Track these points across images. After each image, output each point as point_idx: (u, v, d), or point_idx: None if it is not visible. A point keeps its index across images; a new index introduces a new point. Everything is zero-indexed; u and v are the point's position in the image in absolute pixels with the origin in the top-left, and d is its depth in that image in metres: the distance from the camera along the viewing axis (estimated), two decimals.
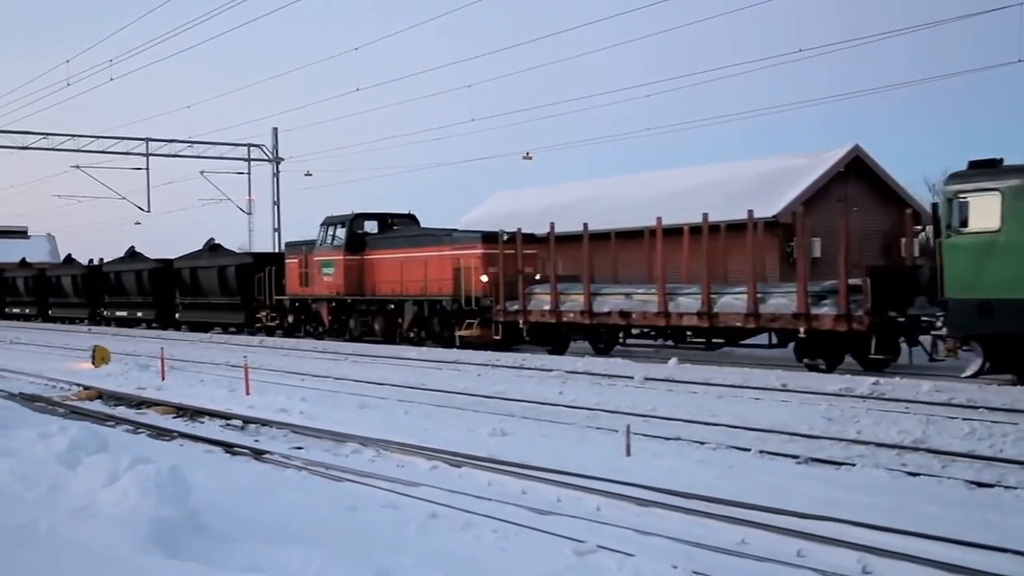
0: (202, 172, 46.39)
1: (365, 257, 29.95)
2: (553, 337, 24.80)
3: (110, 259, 48.34)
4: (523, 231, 25.94)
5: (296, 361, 23.48)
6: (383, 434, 11.18)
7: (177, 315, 40.42)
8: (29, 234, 75.43)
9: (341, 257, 30.12)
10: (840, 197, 31.54)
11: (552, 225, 24.91)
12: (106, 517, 5.79)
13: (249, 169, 47.25)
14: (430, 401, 15.11)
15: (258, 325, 34.96)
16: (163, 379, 18.73)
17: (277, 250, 41.23)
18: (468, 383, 17.38)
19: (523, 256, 25.36)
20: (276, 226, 46.77)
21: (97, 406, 15.50)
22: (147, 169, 44.59)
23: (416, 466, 9.75)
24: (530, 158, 37.92)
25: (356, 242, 30.19)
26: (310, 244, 31.96)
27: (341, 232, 30.41)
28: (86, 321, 48.01)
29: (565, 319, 23.66)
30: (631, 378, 17.45)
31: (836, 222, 19.72)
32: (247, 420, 13.18)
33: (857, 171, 33.20)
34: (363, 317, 29.87)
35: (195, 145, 45.17)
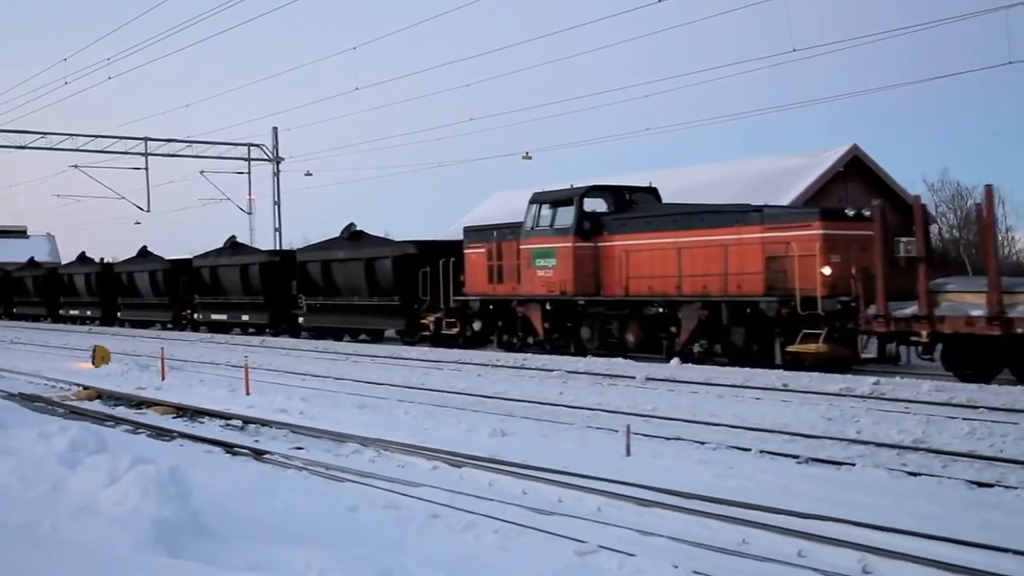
0: (202, 172, 46.41)
1: (601, 244, 22.30)
2: (982, 357, 16.24)
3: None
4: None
5: (296, 361, 23.49)
6: (383, 434, 11.18)
7: (301, 320, 32.53)
8: (28, 234, 75.40)
9: (569, 244, 22.41)
10: (840, 196, 31.63)
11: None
12: (108, 517, 5.80)
13: (249, 169, 47.29)
14: (430, 401, 15.11)
15: (425, 333, 27.37)
16: (163, 379, 18.73)
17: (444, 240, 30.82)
18: (468, 383, 17.38)
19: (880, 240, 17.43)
20: (277, 226, 46.80)
21: (97, 406, 15.49)
22: (146, 169, 44.62)
23: (416, 466, 9.75)
24: (530, 158, 37.97)
25: (589, 225, 22.49)
26: (504, 229, 24.77)
27: (566, 212, 22.72)
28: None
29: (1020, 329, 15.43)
30: (632, 378, 17.45)
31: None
32: (247, 420, 13.18)
33: (856, 171, 33.27)
34: (604, 324, 22.15)
35: (194, 145, 45.24)
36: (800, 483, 8.65)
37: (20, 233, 73.63)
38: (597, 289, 22.32)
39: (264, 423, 12.85)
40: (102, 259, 49.75)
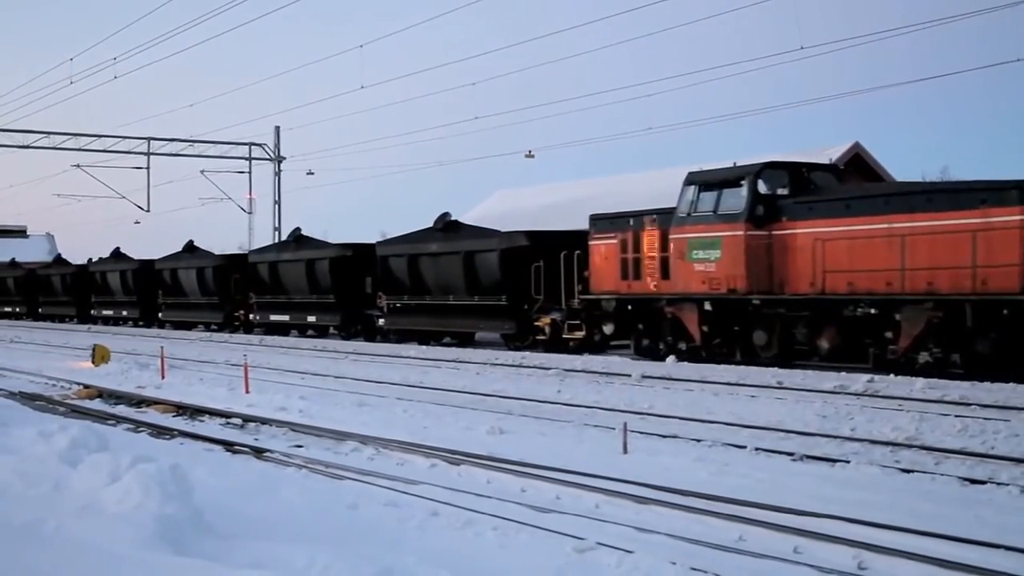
0: (202, 171, 46.41)
1: (779, 232, 18.67)
2: None
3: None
4: None
5: (295, 360, 23.54)
6: (382, 432, 11.25)
7: (382, 322, 29.34)
8: (28, 233, 75.32)
9: (740, 233, 18.82)
10: None
11: None
12: (111, 515, 5.85)
13: (250, 168, 47.28)
14: (429, 399, 15.18)
15: (540, 337, 24.11)
16: (163, 378, 18.78)
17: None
18: (467, 381, 17.45)
19: None
20: (277, 225, 46.81)
21: (97, 405, 15.55)
22: (148, 168, 44.62)
23: (416, 464, 9.82)
24: (532, 156, 38.04)
25: (763, 209, 18.88)
26: (644, 216, 21.26)
27: (735, 194, 19.07)
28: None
29: None
30: (628, 376, 17.52)
31: None
32: (247, 418, 13.25)
33: (857, 168, 33.35)
34: (786, 327, 18.58)
35: (196, 144, 45.23)
36: (795, 480, 8.72)
37: (20, 233, 73.56)
38: (772, 285, 18.66)
39: (264, 421, 12.92)
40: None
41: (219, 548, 5.45)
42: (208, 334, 34.10)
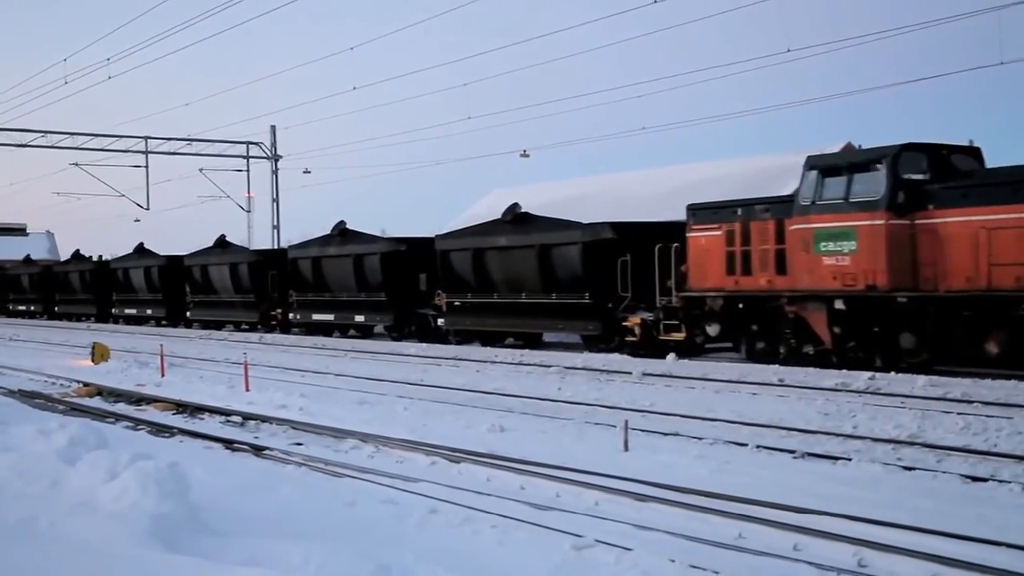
0: (201, 170, 46.41)
1: (924, 221, 16.60)
2: None
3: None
4: None
5: (295, 358, 23.53)
6: (382, 430, 11.22)
7: (440, 322, 27.14)
8: (28, 231, 75.38)
9: (879, 222, 16.68)
10: None
11: None
12: (106, 513, 5.83)
13: (248, 167, 47.34)
14: (429, 397, 15.16)
15: (629, 338, 21.61)
16: (163, 376, 18.76)
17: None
18: (466, 379, 17.43)
19: None
20: (275, 223, 46.84)
21: (97, 403, 15.54)
22: (146, 167, 44.63)
23: (415, 462, 9.80)
24: (527, 155, 38.03)
25: (907, 195, 16.79)
26: (756, 205, 19.48)
27: (871, 179, 17.09)
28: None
29: None
30: (629, 374, 17.50)
31: None
32: (247, 416, 13.23)
33: None
34: (941, 329, 16.37)
35: (194, 143, 45.26)
36: (796, 478, 8.69)
37: (19, 231, 73.62)
38: (917, 281, 16.62)
39: (264, 419, 12.90)
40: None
41: (214, 546, 5.43)
42: (244, 335, 32.65)
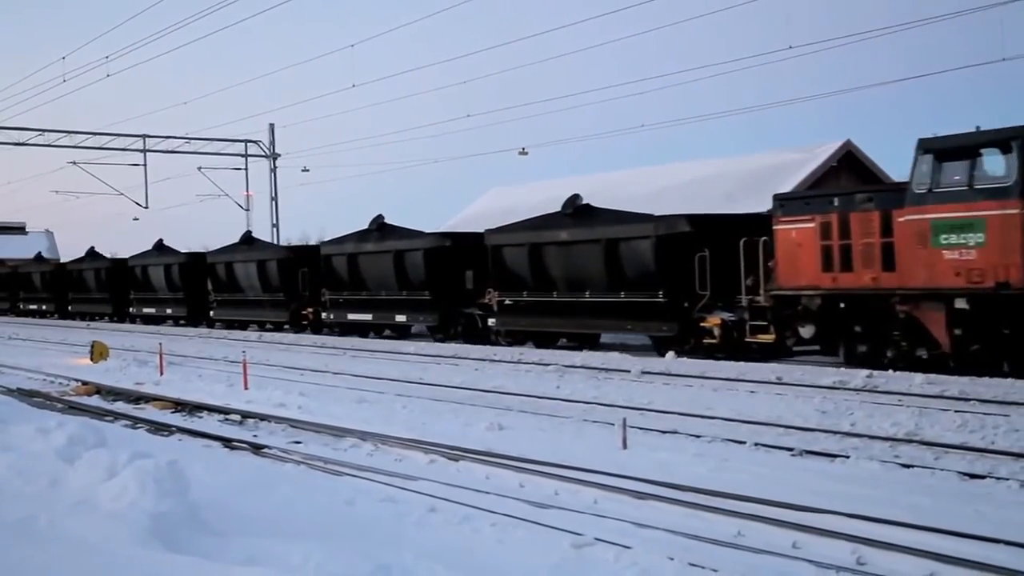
0: (199, 168, 46.37)
1: None
2: None
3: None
4: None
5: (294, 356, 23.53)
6: (381, 428, 11.23)
7: (491, 322, 25.43)
8: (27, 230, 75.34)
9: (1014, 211, 15.02)
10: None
11: None
12: (105, 512, 5.84)
13: (247, 165, 47.29)
14: (428, 395, 15.16)
15: (709, 340, 20.05)
16: (161, 374, 18.76)
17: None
18: (465, 377, 17.44)
19: None
20: (274, 222, 46.81)
21: (96, 401, 15.55)
22: (144, 165, 44.59)
23: (414, 460, 9.81)
24: (526, 153, 38.03)
25: None
26: (856, 194, 17.81)
27: (1001, 162, 15.51)
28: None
29: None
30: (627, 372, 17.51)
31: None
32: (245, 415, 13.24)
33: (849, 165, 33.44)
34: None
35: (192, 141, 45.21)
36: (795, 476, 8.70)
37: (19, 229, 73.60)
38: None
39: (263, 418, 12.91)
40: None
41: (213, 545, 5.43)
42: (278, 335, 31.57)
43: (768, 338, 18.64)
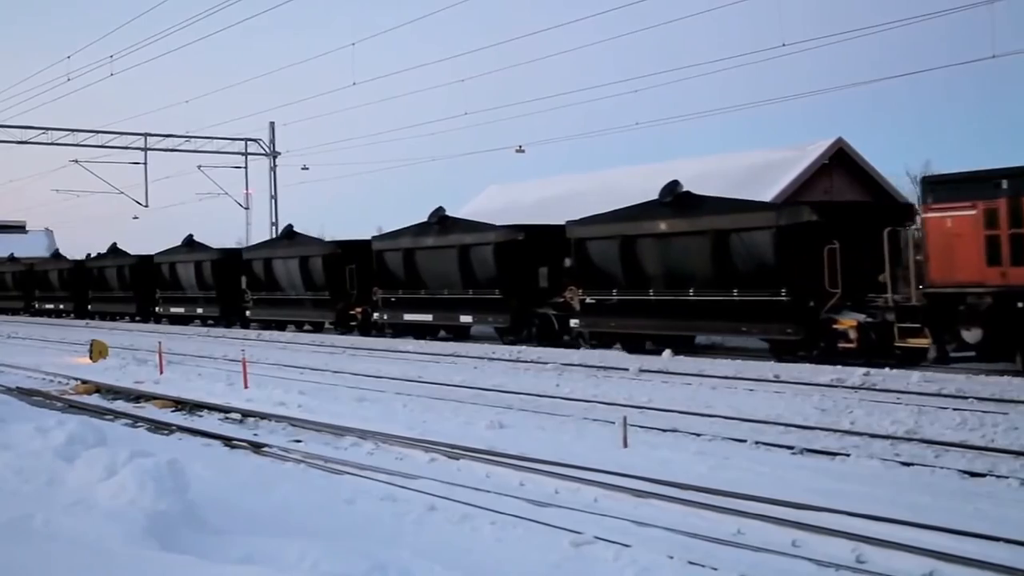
0: (199, 167, 46.34)
1: None
2: None
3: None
4: None
5: (294, 355, 23.52)
6: (381, 427, 11.22)
7: (573, 323, 23.18)
8: (27, 229, 75.32)
9: None
10: (825, 189, 31.80)
11: None
12: (103, 511, 5.82)
13: (246, 163, 47.26)
14: (428, 394, 15.16)
15: (844, 344, 17.81)
16: (161, 373, 18.74)
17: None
18: (465, 376, 17.43)
19: None
20: (273, 220, 46.78)
21: (95, 400, 15.54)
22: (145, 164, 44.57)
23: (414, 459, 9.80)
24: (523, 151, 38.00)
25: None
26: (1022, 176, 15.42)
27: None
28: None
29: None
30: (626, 370, 17.51)
31: None
32: (246, 413, 13.23)
33: (841, 163, 33.43)
34: None
35: (193, 140, 45.18)
36: (795, 474, 8.69)
37: (19, 228, 73.59)
38: None
39: (263, 416, 12.90)
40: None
41: (211, 543, 5.42)
42: (319, 336, 29.96)
43: (923, 342, 16.28)
